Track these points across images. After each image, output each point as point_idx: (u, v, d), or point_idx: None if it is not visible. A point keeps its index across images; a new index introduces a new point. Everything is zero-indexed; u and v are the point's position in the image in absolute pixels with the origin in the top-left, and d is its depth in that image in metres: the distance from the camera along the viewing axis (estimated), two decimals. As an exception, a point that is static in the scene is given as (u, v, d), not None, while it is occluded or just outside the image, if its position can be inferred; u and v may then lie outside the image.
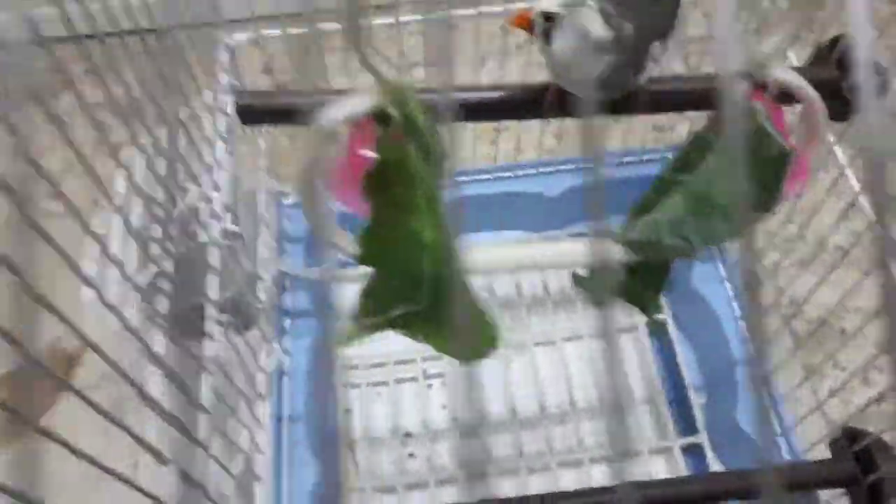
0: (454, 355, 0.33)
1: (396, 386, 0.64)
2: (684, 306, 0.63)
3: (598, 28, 0.28)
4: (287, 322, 0.60)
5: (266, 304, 0.54)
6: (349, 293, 0.61)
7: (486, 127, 0.72)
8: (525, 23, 0.30)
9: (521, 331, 0.66)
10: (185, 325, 0.44)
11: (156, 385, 0.35)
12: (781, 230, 0.53)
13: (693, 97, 0.33)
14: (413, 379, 0.65)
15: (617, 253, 0.33)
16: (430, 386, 0.65)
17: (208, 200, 0.43)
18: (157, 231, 0.38)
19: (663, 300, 0.65)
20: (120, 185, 0.43)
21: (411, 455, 0.62)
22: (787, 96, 0.37)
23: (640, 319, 0.65)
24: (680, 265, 0.65)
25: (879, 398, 0.46)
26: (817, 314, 0.71)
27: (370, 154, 0.27)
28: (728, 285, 0.60)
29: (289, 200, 0.65)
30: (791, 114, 0.43)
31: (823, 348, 0.72)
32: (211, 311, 0.41)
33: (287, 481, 0.54)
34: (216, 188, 0.44)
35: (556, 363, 0.64)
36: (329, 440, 0.60)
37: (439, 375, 0.65)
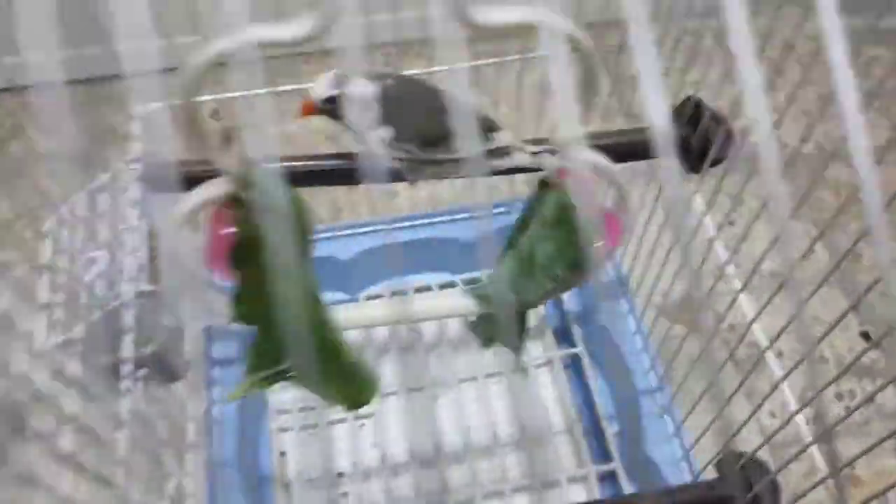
0: (338, 404, 0.37)
1: (328, 428, 0.67)
2: (596, 340, 0.67)
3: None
4: (216, 371, 0.63)
5: (193, 356, 0.57)
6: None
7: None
8: (311, 111, 0.34)
9: (447, 369, 0.69)
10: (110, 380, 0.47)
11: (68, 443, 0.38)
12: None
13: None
14: (343, 420, 0.68)
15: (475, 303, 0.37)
16: (361, 426, 0.68)
17: (119, 264, 0.46)
18: (62, 297, 0.42)
19: (578, 334, 0.69)
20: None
21: (344, 494, 0.65)
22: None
23: (556, 354, 0.69)
24: (589, 303, 0.70)
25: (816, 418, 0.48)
26: (750, 338, 0.75)
27: (230, 232, 0.31)
28: (632, 319, 0.65)
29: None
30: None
31: (763, 372, 0.76)
32: (126, 369, 0.44)
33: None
34: (132, 252, 0.48)
35: (480, 399, 0.68)
36: (262, 483, 0.63)
37: (369, 416, 0.68)
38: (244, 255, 0.30)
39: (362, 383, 0.36)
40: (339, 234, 0.73)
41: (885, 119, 0.80)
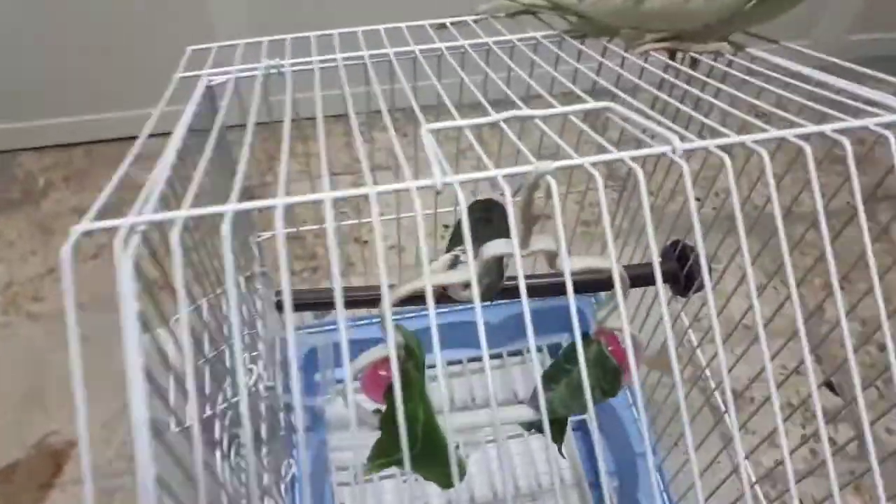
0: (437, 483, 0.51)
1: (380, 482, 0.81)
2: (601, 411, 0.82)
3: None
4: (293, 437, 0.77)
5: (284, 428, 0.71)
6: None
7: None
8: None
9: (475, 431, 0.84)
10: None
11: None
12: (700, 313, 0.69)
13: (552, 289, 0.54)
14: (392, 476, 0.82)
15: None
16: (405, 481, 0.82)
17: (258, 371, 0.60)
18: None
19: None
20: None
21: (394, 537, 0.79)
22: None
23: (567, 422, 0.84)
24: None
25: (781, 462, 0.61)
26: (731, 386, 0.90)
27: (385, 374, 0.46)
28: (628, 394, 0.80)
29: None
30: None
31: (739, 419, 0.90)
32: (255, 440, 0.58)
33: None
34: (260, 356, 0.62)
35: (503, 457, 0.82)
36: (329, 529, 0.77)
37: (412, 474, 0.82)
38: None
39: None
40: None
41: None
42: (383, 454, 0.48)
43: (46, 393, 0.99)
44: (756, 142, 0.33)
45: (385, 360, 0.46)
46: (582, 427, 0.84)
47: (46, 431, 0.96)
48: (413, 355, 0.46)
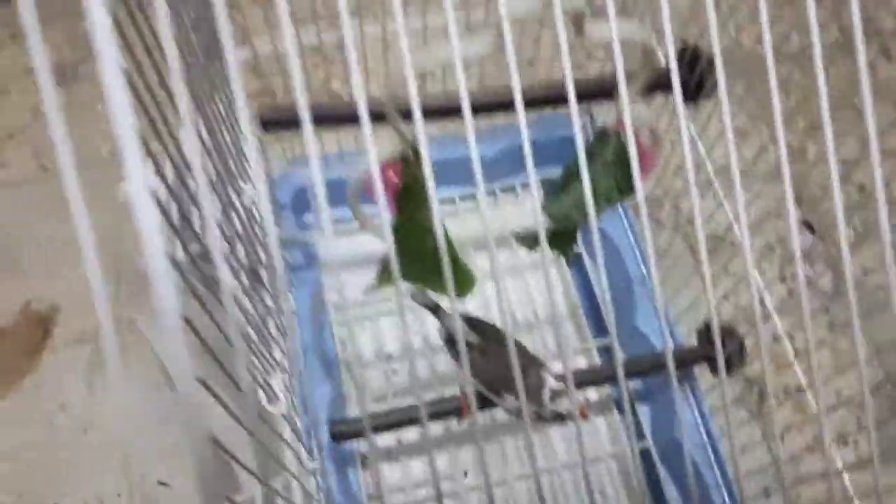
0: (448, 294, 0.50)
1: (377, 319, 0.81)
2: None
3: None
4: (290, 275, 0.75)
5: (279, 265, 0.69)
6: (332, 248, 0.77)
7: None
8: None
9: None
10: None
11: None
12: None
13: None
14: (391, 312, 0.82)
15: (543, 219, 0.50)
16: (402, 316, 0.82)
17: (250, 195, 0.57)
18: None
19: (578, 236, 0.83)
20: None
21: (394, 371, 0.80)
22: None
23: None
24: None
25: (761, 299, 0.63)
26: (711, 232, 0.92)
27: (395, 179, 0.43)
28: (625, 221, 0.79)
29: (275, 175, 0.80)
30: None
31: (718, 260, 0.92)
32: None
33: (306, 397, 0.71)
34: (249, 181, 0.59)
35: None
36: (332, 364, 0.77)
37: (409, 307, 0.82)
38: (405, 195, 0.43)
39: (465, 280, 0.49)
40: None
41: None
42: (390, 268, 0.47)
43: (22, 260, 0.97)
44: None
45: (391, 163, 0.43)
46: (576, 260, 0.84)
47: (28, 298, 0.95)
48: (419, 157, 0.43)
